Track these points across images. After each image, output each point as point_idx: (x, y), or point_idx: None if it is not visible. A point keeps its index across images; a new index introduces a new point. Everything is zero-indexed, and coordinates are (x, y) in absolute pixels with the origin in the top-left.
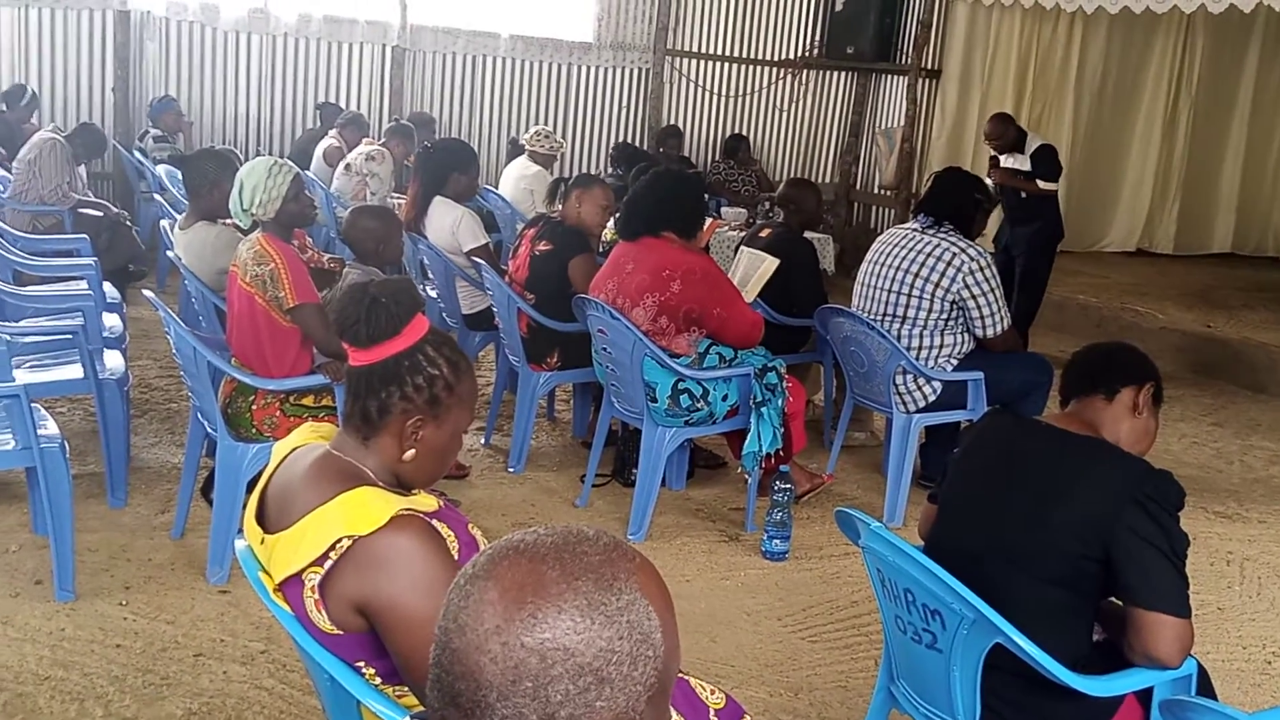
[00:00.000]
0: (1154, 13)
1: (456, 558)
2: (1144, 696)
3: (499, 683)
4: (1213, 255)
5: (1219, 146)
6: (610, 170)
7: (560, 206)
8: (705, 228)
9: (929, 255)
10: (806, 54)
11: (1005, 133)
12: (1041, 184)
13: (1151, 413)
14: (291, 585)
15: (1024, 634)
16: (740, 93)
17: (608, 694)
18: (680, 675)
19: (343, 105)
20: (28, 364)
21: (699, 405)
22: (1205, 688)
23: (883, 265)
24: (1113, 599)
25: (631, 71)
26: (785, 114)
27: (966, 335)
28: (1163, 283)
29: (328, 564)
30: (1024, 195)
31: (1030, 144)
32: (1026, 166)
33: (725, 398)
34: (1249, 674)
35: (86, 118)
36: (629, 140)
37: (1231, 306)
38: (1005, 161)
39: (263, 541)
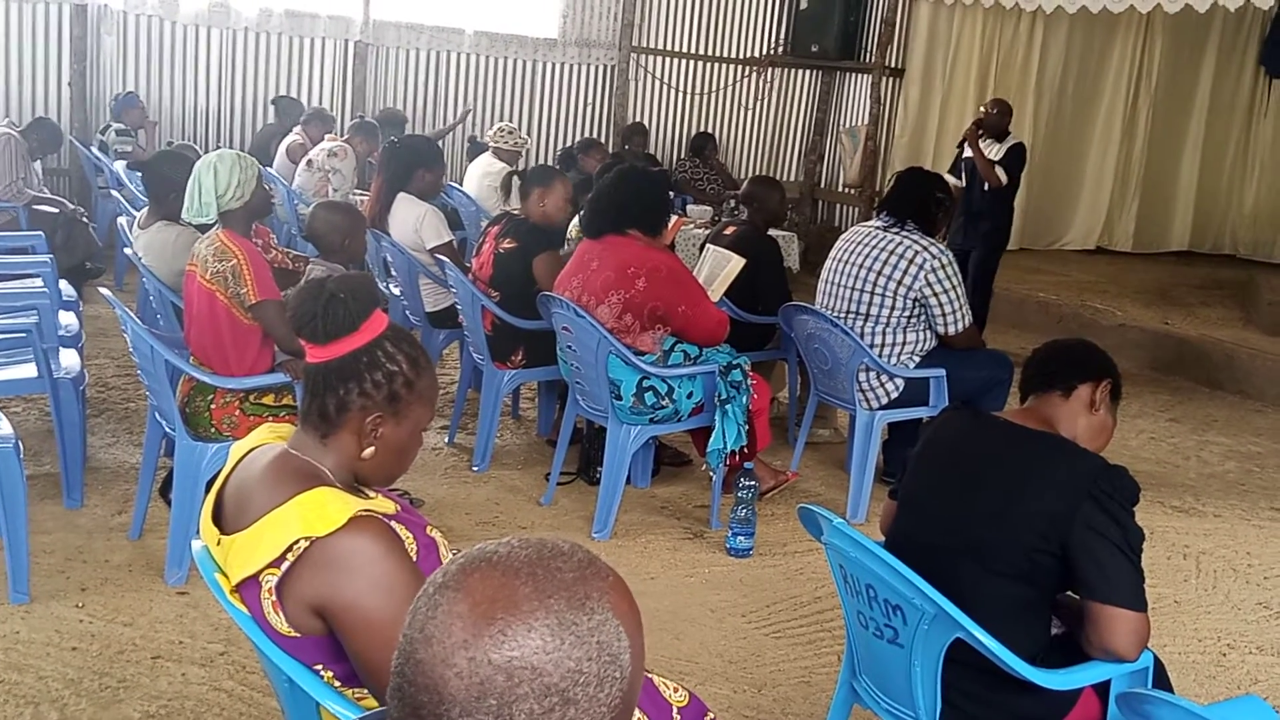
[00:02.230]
0: (1111, 12)
1: (415, 559)
2: (1102, 689)
3: (463, 698)
4: (1171, 253)
5: (1177, 145)
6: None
7: (518, 202)
8: (670, 225)
9: (892, 253)
10: (771, 52)
11: (1002, 120)
12: (1000, 173)
13: (1109, 409)
14: (248, 587)
15: (983, 628)
16: (705, 90)
17: (572, 715)
18: (643, 674)
19: (303, 101)
20: None
21: (664, 403)
22: (1162, 680)
23: (846, 263)
24: (1070, 593)
25: (596, 68)
26: (750, 112)
27: (928, 333)
28: (1121, 280)
29: (285, 566)
30: (986, 188)
31: (1009, 140)
32: (996, 156)
33: (690, 395)
34: (1204, 666)
35: (42, 113)
36: (594, 136)
37: (1189, 304)
38: (983, 145)
39: (219, 542)
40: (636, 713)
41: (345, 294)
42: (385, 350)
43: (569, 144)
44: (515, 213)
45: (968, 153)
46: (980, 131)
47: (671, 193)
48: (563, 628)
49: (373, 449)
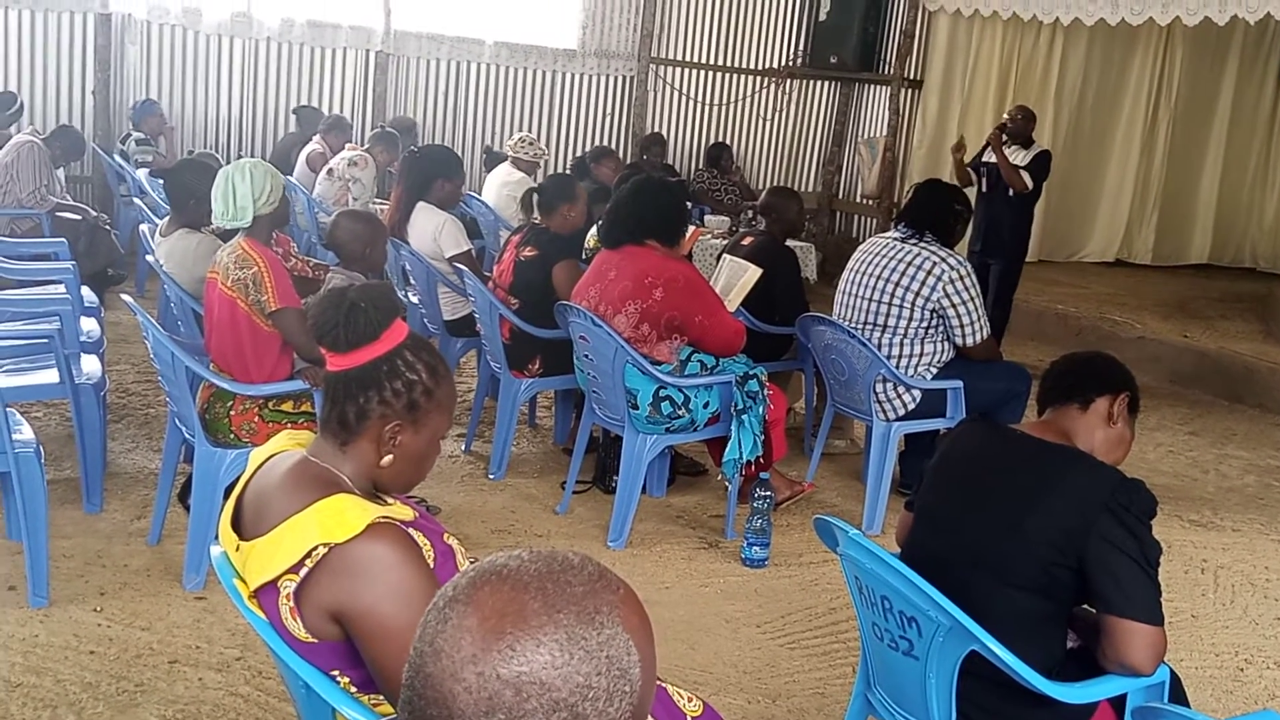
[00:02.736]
0: (1130, 25)
1: (432, 566)
2: (1117, 703)
3: (471, 713)
4: (1190, 266)
5: (1197, 158)
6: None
7: (537, 215)
8: (688, 235)
9: (909, 264)
10: (790, 63)
11: (1027, 126)
12: (1026, 177)
13: (1126, 422)
14: (267, 593)
15: (999, 641)
16: (724, 101)
17: None
18: (658, 683)
19: (324, 110)
20: (3, 368)
21: (680, 412)
22: (1178, 695)
23: (864, 274)
24: (1086, 606)
25: (615, 79)
26: (768, 123)
27: (946, 344)
28: (1141, 293)
29: (303, 572)
30: (1011, 194)
31: (1034, 148)
32: (1022, 162)
33: (706, 405)
34: (1221, 681)
35: (66, 121)
36: (612, 146)
37: (1208, 317)
38: (1008, 151)
39: (238, 548)
40: None
41: (366, 303)
42: (405, 359)
43: (582, 153)
44: (537, 222)
45: (988, 156)
46: (1005, 137)
47: (689, 203)
48: (572, 642)
49: (391, 457)
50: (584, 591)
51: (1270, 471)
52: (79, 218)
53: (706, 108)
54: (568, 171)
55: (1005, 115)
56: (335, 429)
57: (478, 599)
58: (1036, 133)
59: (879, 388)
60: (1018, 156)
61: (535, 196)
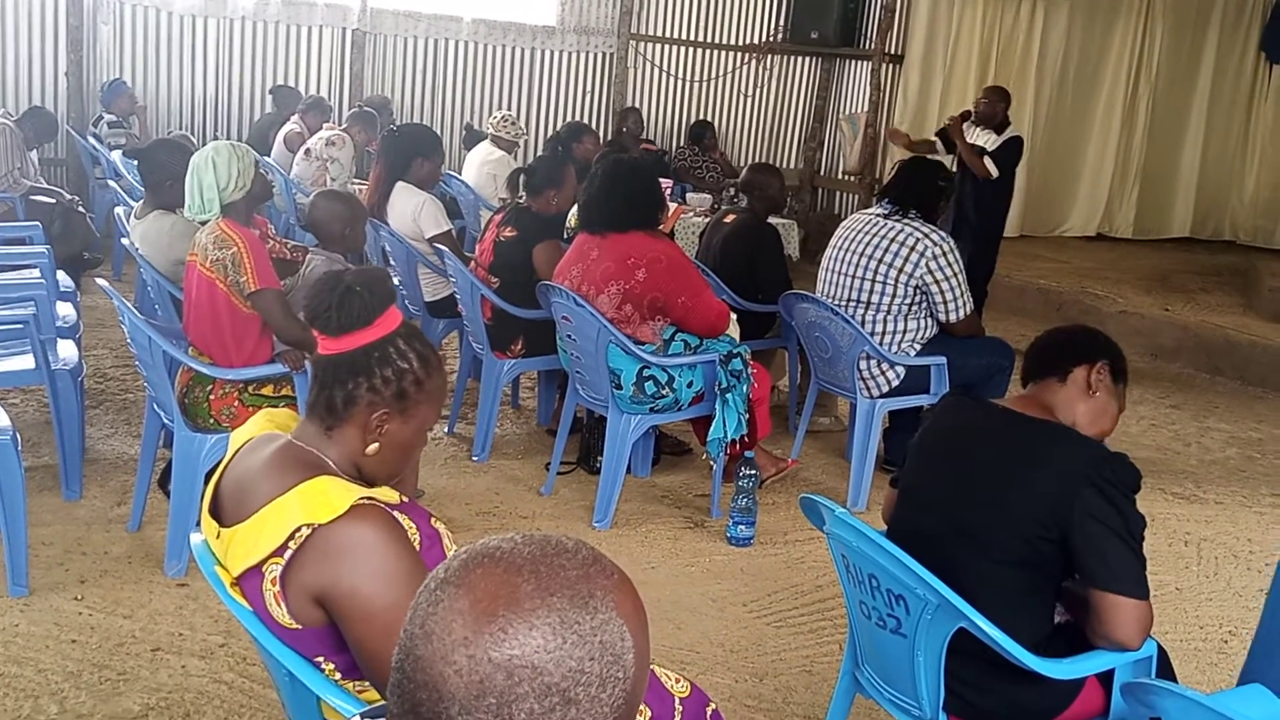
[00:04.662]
0: None
1: (418, 549)
2: (1105, 679)
3: (462, 696)
4: (1171, 240)
5: (1178, 132)
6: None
7: (523, 195)
8: (670, 213)
9: (893, 241)
10: (770, 39)
11: (995, 110)
12: (989, 163)
13: (1109, 392)
14: (250, 578)
15: (986, 617)
16: (704, 78)
17: (573, 715)
18: (648, 672)
19: (301, 89)
20: None
21: (664, 392)
22: (1165, 668)
23: (847, 251)
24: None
25: (595, 56)
26: (749, 99)
27: (930, 320)
28: (1122, 267)
29: (288, 554)
30: (979, 180)
31: (1007, 132)
32: (990, 146)
33: (690, 384)
34: (1206, 653)
35: (38, 102)
36: (592, 124)
37: (1189, 290)
38: (972, 133)
39: (218, 535)
40: None
41: (361, 287)
42: (397, 347)
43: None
44: (520, 201)
45: (975, 132)
46: (967, 121)
47: (671, 181)
48: (565, 626)
49: (377, 445)
50: (578, 575)
51: (1251, 444)
52: (53, 201)
53: (687, 84)
54: (546, 151)
55: (975, 103)
56: (322, 413)
57: (470, 581)
58: (1016, 108)
59: (863, 365)
60: (987, 140)
61: (523, 177)
